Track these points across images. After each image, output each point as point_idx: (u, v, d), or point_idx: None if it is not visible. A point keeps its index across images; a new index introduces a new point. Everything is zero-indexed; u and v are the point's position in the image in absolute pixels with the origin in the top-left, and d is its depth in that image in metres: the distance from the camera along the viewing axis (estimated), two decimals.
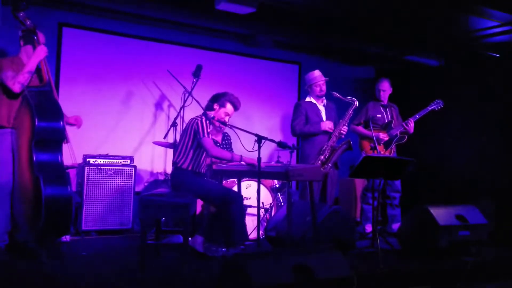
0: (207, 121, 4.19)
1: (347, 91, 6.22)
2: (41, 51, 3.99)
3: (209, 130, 4.16)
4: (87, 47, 5.66)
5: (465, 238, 4.35)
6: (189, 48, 6.25)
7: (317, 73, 5.18)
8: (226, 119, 4.36)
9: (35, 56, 3.96)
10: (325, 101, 5.23)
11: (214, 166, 4.66)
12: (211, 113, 4.31)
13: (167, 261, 4.02)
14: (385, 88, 5.66)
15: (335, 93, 5.10)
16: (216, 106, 4.32)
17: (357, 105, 5.04)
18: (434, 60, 6.78)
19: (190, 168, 4.17)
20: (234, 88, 5.84)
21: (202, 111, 4.37)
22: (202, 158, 4.26)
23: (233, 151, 5.36)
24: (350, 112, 5.05)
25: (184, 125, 4.47)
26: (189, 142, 4.18)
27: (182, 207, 3.74)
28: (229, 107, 4.34)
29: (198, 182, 4.17)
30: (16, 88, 3.86)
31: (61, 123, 3.85)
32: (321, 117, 5.13)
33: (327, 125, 4.97)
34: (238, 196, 4.22)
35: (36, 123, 3.70)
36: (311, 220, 4.18)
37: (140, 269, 3.60)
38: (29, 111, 3.77)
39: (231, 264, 2.91)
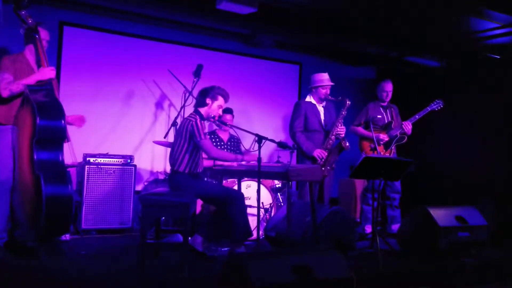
0: (202, 122, 4.17)
1: (348, 91, 6.24)
2: (47, 74, 3.98)
3: (205, 131, 4.15)
4: (88, 46, 5.66)
5: (465, 239, 4.35)
6: (190, 48, 6.25)
7: (326, 76, 5.13)
8: (220, 112, 4.35)
9: (38, 75, 3.96)
10: (324, 102, 5.22)
11: (213, 167, 4.66)
12: (204, 109, 4.28)
13: (167, 261, 4.01)
14: (391, 89, 5.67)
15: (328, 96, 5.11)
16: (208, 101, 4.30)
17: (349, 104, 5.02)
18: (434, 61, 6.79)
19: (187, 171, 4.14)
20: (235, 88, 5.86)
21: (194, 109, 4.36)
22: (199, 159, 4.25)
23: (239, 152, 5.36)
24: (344, 112, 5.02)
25: (178, 126, 4.44)
26: (184, 144, 4.14)
27: (182, 206, 3.74)
28: (221, 99, 4.34)
29: (196, 185, 4.16)
30: (4, 93, 3.87)
31: (63, 122, 3.85)
32: (320, 119, 5.10)
33: (318, 153, 4.92)
34: (239, 195, 4.21)
35: (38, 121, 3.70)
36: (311, 221, 4.18)
37: (140, 268, 3.60)
38: (31, 109, 3.77)
39: (231, 264, 2.91)
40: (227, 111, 5.55)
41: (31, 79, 3.93)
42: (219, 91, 4.33)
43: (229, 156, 4.27)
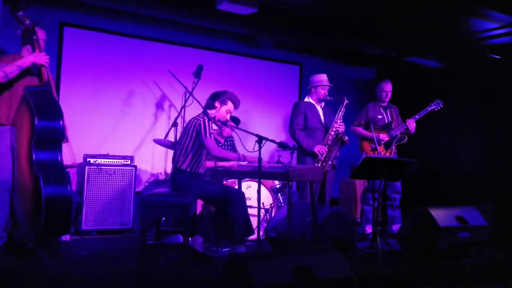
0: (209, 122, 4.18)
1: (348, 91, 6.24)
2: (40, 57, 3.96)
3: (211, 131, 4.15)
4: (88, 46, 5.66)
5: (465, 240, 4.34)
6: (190, 48, 6.25)
7: (325, 77, 5.21)
8: (228, 116, 4.36)
9: (32, 57, 3.93)
10: (322, 103, 5.26)
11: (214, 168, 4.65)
12: (212, 112, 4.30)
13: (167, 261, 4.01)
14: (390, 90, 5.68)
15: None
16: (217, 104, 4.31)
17: (347, 102, 5.06)
18: (435, 61, 6.79)
19: (189, 169, 4.15)
20: (235, 88, 5.82)
21: (203, 110, 4.36)
22: (202, 159, 4.25)
23: (237, 152, 5.35)
24: (342, 109, 5.08)
25: (184, 125, 4.45)
26: (190, 143, 4.16)
27: (182, 207, 3.74)
28: (230, 104, 4.34)
29: (198, 184, 4.16)
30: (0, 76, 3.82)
31: (61, 122, 3.85)
32: (320, 117, 5.15)
33: (319, 149, 4.95)
34: (239, 194, 4.21)
35: (36, 122, 3.70)
36: (311, 221, 4.18)
37: (140, 269, 3.60)
38: (29, 110, 3.77)
39: (232, 265, 2.92)
40: (234, 120, 5.53)
41: (24, 61, 3.89)
42: (230, 96, 4.33)
43: (231, 155, 4.26)
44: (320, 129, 5.11)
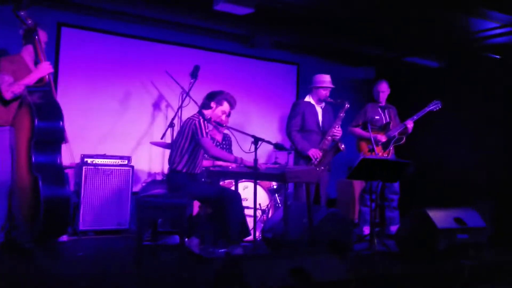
0: (205, 121, 4.16)
1: (346, 92, 6.23)
2: (45, 69, 3.97)
3: (207, 130, 4.14)
4: (86, 47, 5.64)
5: (464, 241, 4.34)
6: (187, 49, 6.23)
7: (328, 78, 5.15)
8: (223, 117, 4.34)
9: (37, 72, 3.95)
10: (323, 104, 5.22)
11: (211, 168, 4.64)
12: (207, 112, 4.28)
13: (164, 262, 4.00)
14: (384, 90, 5.66)
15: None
16: (213, 104, 4.30)
17: (348, 107, 5.02)
18: (434, 61, 6.77)
19: (185, 170, 4.14)
20: (232, 88, 5.81)
21: (198, 110, 4.35)
22: (198, 159, 4.24)
23: (231, 153, 5.34)
24: (342, 114, 5.03)
25: (180, 125, 4.44)
26: (185, 143, 4.14)
27: (178, 208, 3.73)
28: (226, 105, 4.33)
29: (193, 185, 4.15)
30: (7, 95, 3.85)
31: (61, 123, 3.85)
32: (318, 119, 5.12)
33: (313, 153, 4.92)
34: (235, 195, 4.20)
35: (36, 123, 3.70)
36: (308, 222, 4.17)
37: (137, 270, 3.59)
38: (29, 110, 3.76)
39: (227, 267, 2.90)
40: None
41: (31, 78, 3.91)
42: (226, 97, 4.32)
43: (229, 156, 4.24)
44: (316, 131, 5.07)
